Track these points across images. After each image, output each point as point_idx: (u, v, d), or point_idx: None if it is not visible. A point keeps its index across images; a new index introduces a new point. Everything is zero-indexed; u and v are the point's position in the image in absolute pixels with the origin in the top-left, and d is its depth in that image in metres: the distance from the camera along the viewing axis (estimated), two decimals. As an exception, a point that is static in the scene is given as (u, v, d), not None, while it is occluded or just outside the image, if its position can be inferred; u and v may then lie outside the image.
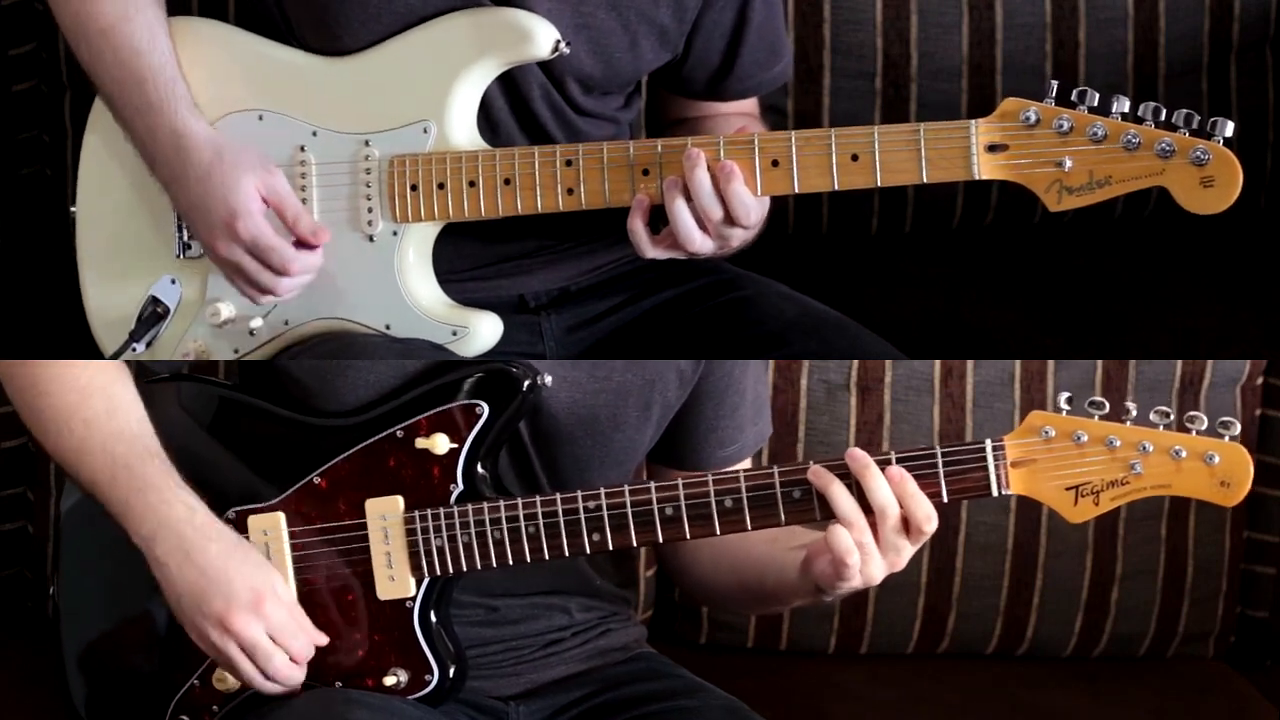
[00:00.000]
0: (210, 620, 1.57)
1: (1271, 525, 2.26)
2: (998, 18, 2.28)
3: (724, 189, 1.63)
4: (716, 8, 1.80)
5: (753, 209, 1.65)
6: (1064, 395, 1.52)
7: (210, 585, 1.57)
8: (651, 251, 1.68)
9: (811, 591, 1.60)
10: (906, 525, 1.53)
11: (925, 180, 1.61)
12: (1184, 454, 1.49)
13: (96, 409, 1.62)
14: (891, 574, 2.21)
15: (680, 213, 1.64)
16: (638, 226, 1.67)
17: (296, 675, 1.60)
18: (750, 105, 1.94)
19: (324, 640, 1.61)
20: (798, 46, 2.27)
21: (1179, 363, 2.18)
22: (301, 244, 1.71)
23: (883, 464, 1.53)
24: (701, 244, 1.66)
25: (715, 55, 1.84)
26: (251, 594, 1.57)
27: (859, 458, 1.53)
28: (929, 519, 1.53)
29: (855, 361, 2.17)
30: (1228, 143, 1.54)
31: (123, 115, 1.76)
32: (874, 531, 1.52)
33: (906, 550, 1.54)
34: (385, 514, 1.61)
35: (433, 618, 1.62)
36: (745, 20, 1.82)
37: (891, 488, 1.52)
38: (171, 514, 1.58)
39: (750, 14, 1.82)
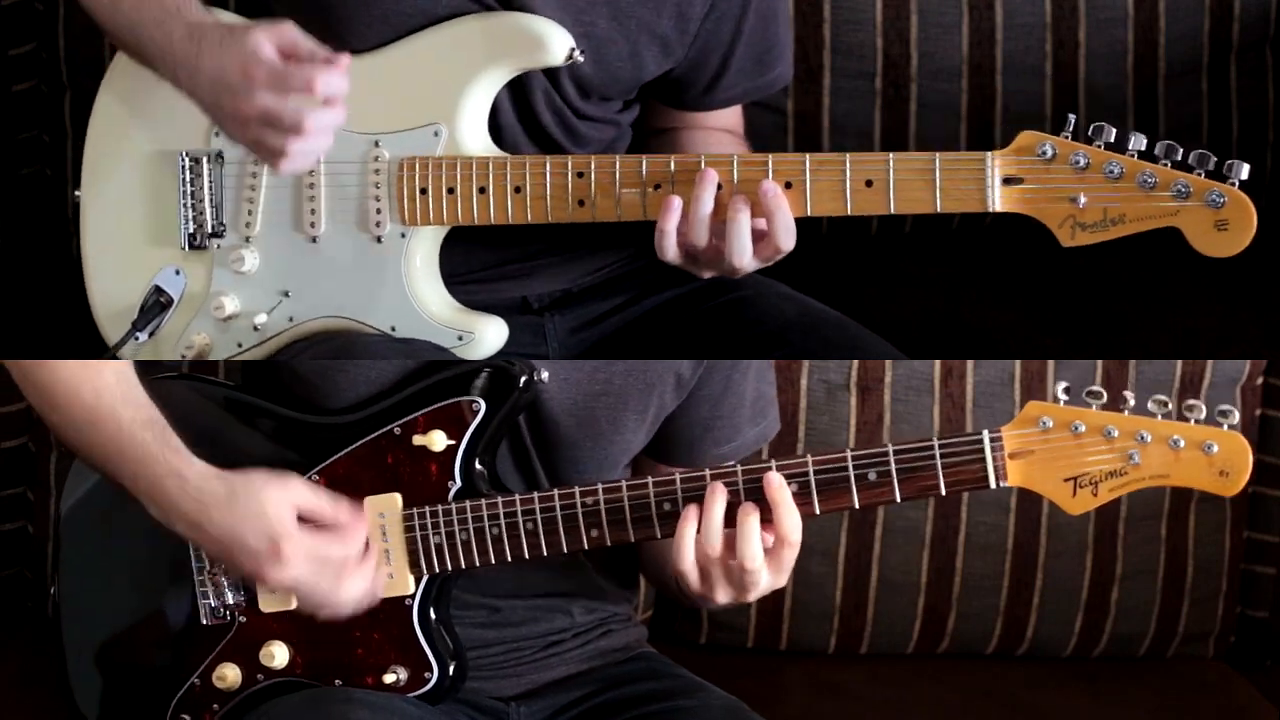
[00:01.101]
0: (253, 579, 1.59)
1: (1271, 525, 2.26)
2: (998, 18, 2.28)
3: (771, 212, 1.63)
4: (714, 18, 1.80)
5: (793, 231, 1.65)
6: (1061, 385, 1.51)
7: (230, 550, 1.56)
8: (672, 255, 1.67)
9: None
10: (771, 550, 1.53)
11: (939, 210, 1.61)
12: (1182, 443, 1.48)
13: (107, 378, 1.61)
14: (888, 574, 2.21)
15: (741, 227, 1.64)
16: (669, 227, 1.66)
17: (355, 586, 1.59)
18: (734, 121, 1.94)
19: (365, 525, 1.60)
20: (798, 46, 2.27)
21: (1179, 363, 2.18)
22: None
23: (877, 458, 1.53)
24: (750, 263, 1.65)
25: (710, 66, 1.84)
26: (268, 544, 1.55)
27: (773, 484, 1.53)
28: (788, 537, 1.53)
29: (855, 361, 2.17)
30: (1243, 186, 1.54)
31: (138, 36, 1.73)
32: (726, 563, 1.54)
33: (755, 588, 1.55)
34: (384, 511, 1.61)
35: (432, 615, 1.62)
36: (740, 31, 1.82)
37: (768, 492, 1.53)
38: (168, 488, 1.57)
39: (744, 25, 1.82)
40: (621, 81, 1.79)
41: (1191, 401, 1.49)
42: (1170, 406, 1.49)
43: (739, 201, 1.63)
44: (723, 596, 1.57)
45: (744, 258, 1.65)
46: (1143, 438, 1.49)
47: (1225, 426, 1.48)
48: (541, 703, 1.73)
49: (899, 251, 2.33)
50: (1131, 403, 1.50)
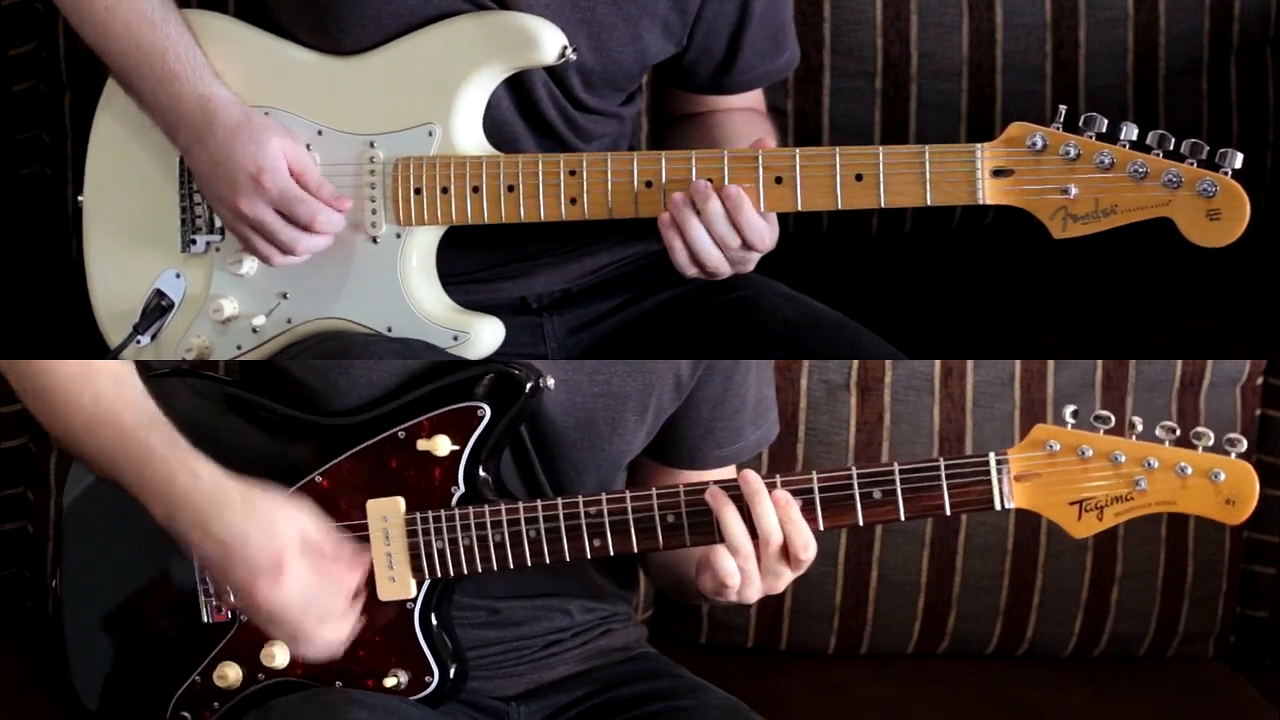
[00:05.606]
0: (239, 591, 1.56)
1: (1271, 525, 2.26)
2: (998, 18, 2.28)
3: (734, 217, 1.63)
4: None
5: (765, 233, 1.65)
6: (1069, 409, 1.51)
7: (229, 556, 1.54)
8: (691, 270, 1.68)
9: (698, 594, 1.63)
10: (786, 552, 1.53)
11: (930, 203, 1.61)
12: (1189, 471, 1.48)
13: (104, 382, 1.60)
14: (888, 574, 2.21)
15: (696, 231, 1.64)
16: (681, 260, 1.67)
17: (334, 631, 1.58)
18: (755, 99, 1.94)
19: (365, 563, 1.59)
20: (798, 46, 2.28)
21: (1179, 363, 2.18)
22: None
23: (883, 476, 1.53)
24: (719, 263, 1.66)
25: (719, 47, 1.84)
26: (271, 559, 1.53)
27: (750, 482, 1.53)
28: (806, 547, 1.53)
29: (855, 361, 2.17)
30: (1236, 175, 1.54)
31: (140, 87, 1.75)
32: (758, 556, 1.54)
33: (786, 576, 1.55)
34: (386, 515, 1.61)
35: (433, 619, 1.62)
36: (748, 10, 1.82)
37: (776, 511, 1.53)
38: (180, 485, 1.55)
39: (753, 4, 1.82)
40: (625, 67, 1.79)
41: (1200, 429, 1.48)
42: (1178, 433, 1.49)
43: (735, 195, 1.63)
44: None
45: (762, 240, 1.65)
46: (1150, 464, 1.49)
47: (1233, 455, 1.48)
48: (541, 702, 1.73)
49: (899, 251, 2.34)
50: (1139, 428, 1.50)
